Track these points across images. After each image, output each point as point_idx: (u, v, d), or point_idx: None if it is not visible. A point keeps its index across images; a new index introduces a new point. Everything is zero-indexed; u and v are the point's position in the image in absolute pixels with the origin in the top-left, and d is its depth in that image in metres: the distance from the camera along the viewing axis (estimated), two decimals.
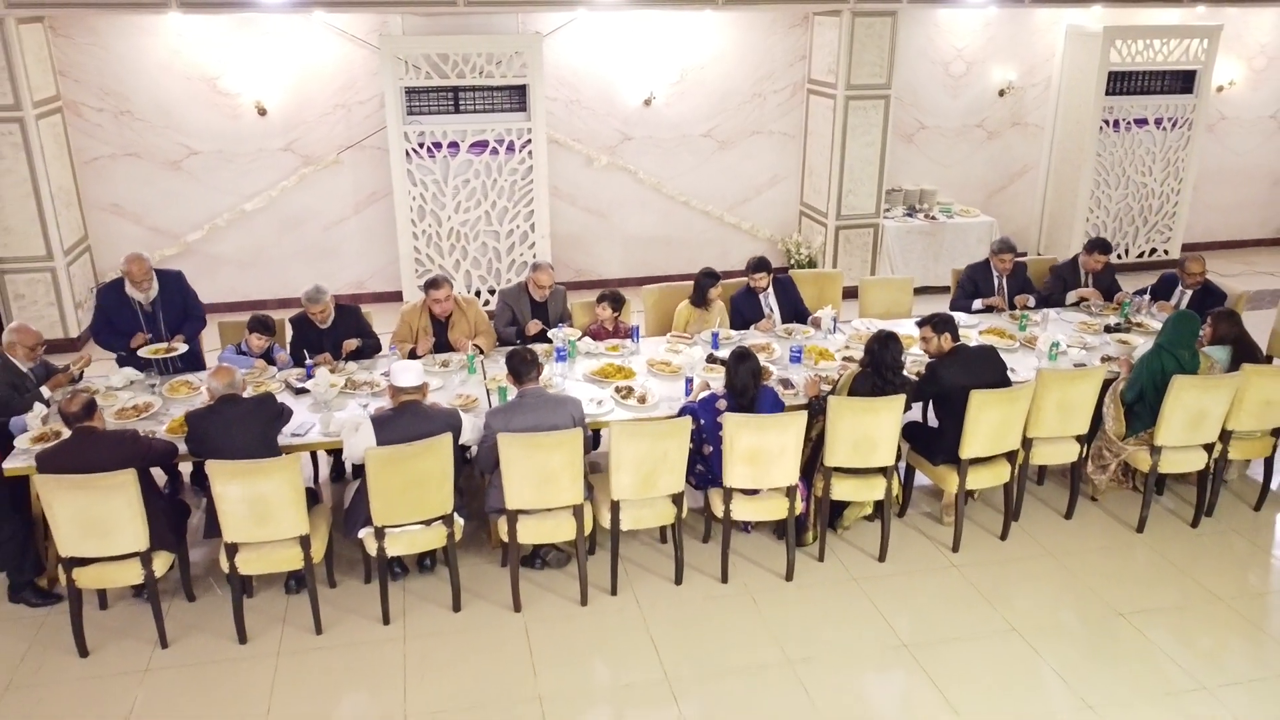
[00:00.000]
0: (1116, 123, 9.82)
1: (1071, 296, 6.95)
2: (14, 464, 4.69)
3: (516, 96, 8.48)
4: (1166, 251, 10.39)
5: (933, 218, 9.63)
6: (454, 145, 8.43)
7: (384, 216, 9.05)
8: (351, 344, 5.84)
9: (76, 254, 8.30)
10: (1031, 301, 6.77)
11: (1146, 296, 6.83)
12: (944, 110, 10.02)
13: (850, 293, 7.41)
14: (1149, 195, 10.17)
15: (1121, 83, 9.74)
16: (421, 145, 8.38)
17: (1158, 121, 9.91)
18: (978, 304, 6.75)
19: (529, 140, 8.54)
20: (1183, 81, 9.89)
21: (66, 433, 4.60)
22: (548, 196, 8.82)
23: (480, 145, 8.49)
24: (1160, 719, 4.16)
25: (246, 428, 4.56)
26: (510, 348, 5.27)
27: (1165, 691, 4.33)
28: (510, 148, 8.53)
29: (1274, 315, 6.62)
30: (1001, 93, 10.05)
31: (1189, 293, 6.61)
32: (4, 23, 7.31)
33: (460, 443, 4.76)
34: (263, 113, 8.57)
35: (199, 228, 8.80)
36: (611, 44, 9.03)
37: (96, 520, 4.25)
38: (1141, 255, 10.35)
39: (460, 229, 8.71)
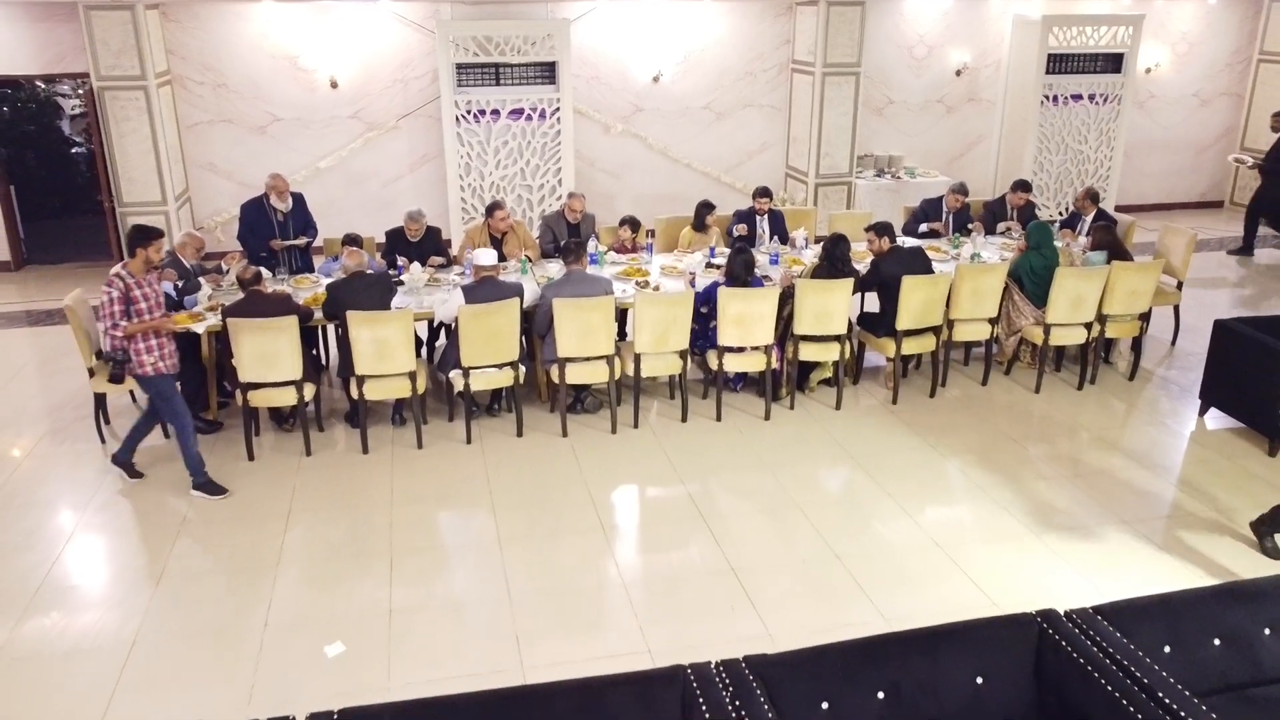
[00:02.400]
0: (1056, 98, 11.49)
1: (1000, 227, 8.63)
2: (195, 326, 6.39)
3: (547, 72, 10.17)
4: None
5: (899, 178, 11.31)
6: (495, 112, 10.12)
7: (433, 175, 10.74)
8: (438, 260, 7.53)
9: (181, 203, 9.99)
10: (981, 229, 8.41)
11: (1058, 225, 8.51)
12: (909, 88, 11.70)
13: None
14: (1085, 161, 11.84)
15: (1060, 64, 11.41)
16: (468, 112, 10.06)
17: (1091, 97, 11.58)
18: (923, 227, 8.42)
19: (557, 109, 10.21)
20: (1113, 63, 11.56)
21: (228, 303, 6.27)
22: (572, 158, 10.49)
23: (517, 113, 10.18)
24: (1023, 492, 5.83)
25: (369, 295, 6.25)
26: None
27: (1035, 476, 6.02)
28: (542, 115, 10.21)
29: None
30: (958, 73, 11.73)
31: (1088, 221, 8.29)
32: (135, 8, 9.02)
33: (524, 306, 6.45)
34: (335, 86, 10.27)
35: None
36: (626, 29, 10.74)
37: (267, 354, 5.93)
38: None
39: (499, 183, 10.38)
